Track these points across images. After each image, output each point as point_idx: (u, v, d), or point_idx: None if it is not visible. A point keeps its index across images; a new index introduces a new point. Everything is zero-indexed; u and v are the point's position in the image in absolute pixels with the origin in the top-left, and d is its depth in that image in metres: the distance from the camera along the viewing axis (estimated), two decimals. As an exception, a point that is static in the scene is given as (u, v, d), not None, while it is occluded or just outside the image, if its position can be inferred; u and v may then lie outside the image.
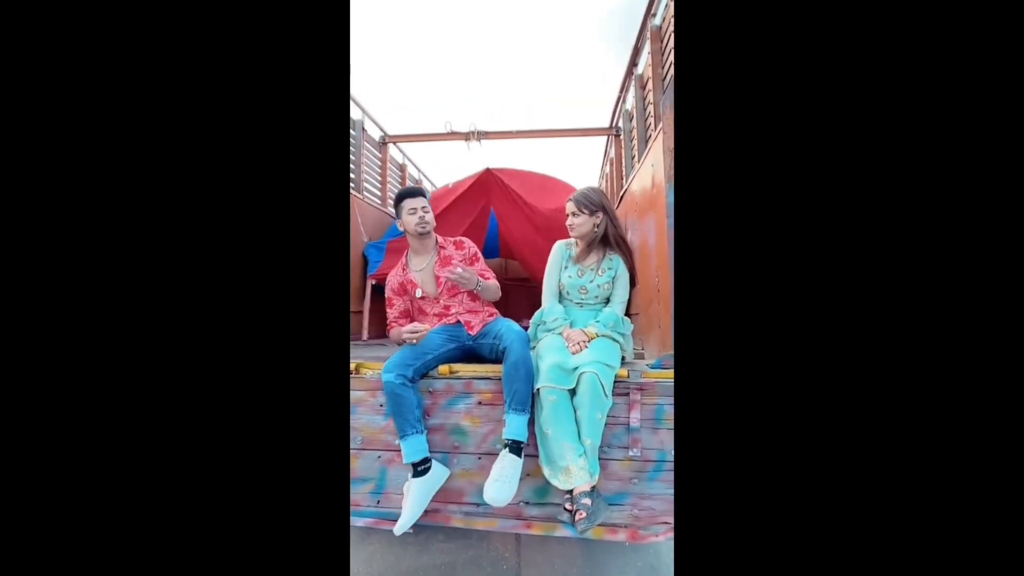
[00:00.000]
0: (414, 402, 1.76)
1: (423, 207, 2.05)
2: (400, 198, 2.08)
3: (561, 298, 2.04)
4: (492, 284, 2.04)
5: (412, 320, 2.09)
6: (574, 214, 1.98)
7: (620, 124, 3.87)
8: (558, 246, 2.07)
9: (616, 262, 1.98)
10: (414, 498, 1.67)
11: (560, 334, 1.90)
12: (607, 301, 2.01)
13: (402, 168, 4.73)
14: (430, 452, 1.78)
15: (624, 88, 3.48)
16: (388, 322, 2.12)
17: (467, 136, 4.15)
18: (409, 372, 1.78)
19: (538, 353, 1.82)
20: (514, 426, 1.69)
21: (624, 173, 3.67)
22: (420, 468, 1.72)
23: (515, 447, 1.69)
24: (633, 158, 3.41)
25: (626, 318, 1.97)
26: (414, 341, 1.86)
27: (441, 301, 2.06)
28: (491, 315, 2.07)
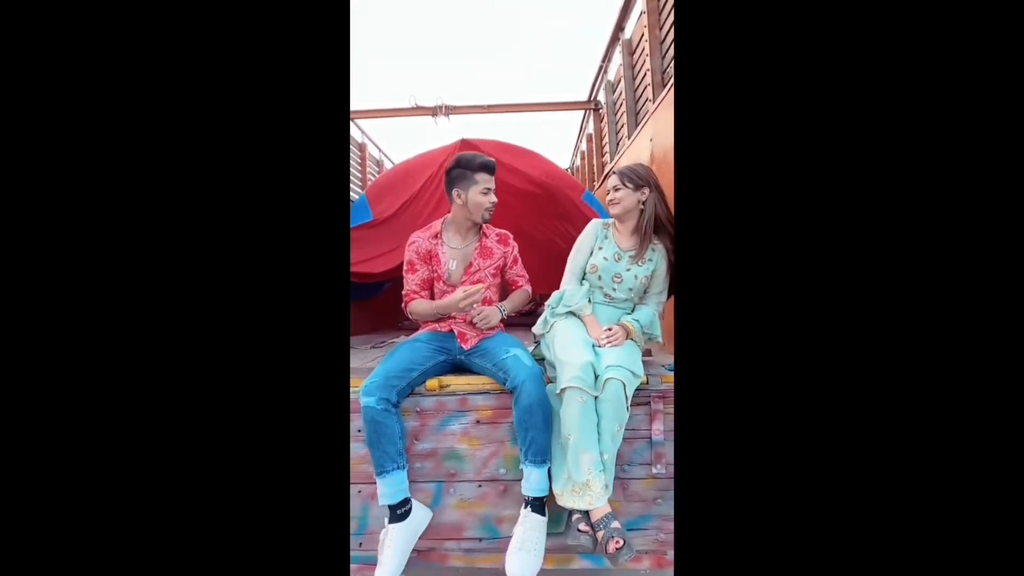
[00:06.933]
0: (396, 432, 1.49)
1: (493, 188, 1.70)
2: (472, 166, 1.65)
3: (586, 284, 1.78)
4: (520, 297, 1.82)
5: (434, 298, 1.76)
6: (616, 188, 1.72)
7: (601, 97, 3.61)
8: (593, 224, 1.81)
9: (658, 255, 1.73)
10: (394, 547, 1.42)
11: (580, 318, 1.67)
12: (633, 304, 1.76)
13: (361, 148, 4.34)
14: (421, 482, 1.56)
15: (607, 57, 3.21)
16: (404, 293, 1.76)
17: (434, 111, 3.82)
18: (394, 395, 1.50)
19: (558, 343, 1.58)
20: (534, 480, 1.46)
21: (607, 150, 3.42)
22: (399, 512, 1.47)
23: (538, 505, 1.46)
24: (619, 132, 3.17)
25: (657, 320, 1.73)
26: (469, 307, 1.62)
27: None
28: (491, 327, 1.75)
